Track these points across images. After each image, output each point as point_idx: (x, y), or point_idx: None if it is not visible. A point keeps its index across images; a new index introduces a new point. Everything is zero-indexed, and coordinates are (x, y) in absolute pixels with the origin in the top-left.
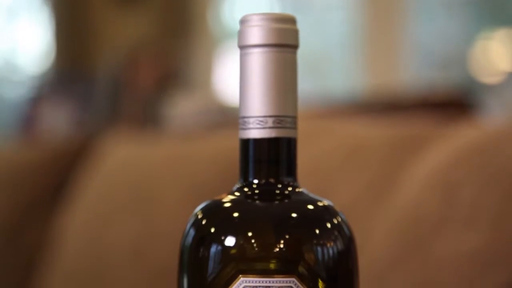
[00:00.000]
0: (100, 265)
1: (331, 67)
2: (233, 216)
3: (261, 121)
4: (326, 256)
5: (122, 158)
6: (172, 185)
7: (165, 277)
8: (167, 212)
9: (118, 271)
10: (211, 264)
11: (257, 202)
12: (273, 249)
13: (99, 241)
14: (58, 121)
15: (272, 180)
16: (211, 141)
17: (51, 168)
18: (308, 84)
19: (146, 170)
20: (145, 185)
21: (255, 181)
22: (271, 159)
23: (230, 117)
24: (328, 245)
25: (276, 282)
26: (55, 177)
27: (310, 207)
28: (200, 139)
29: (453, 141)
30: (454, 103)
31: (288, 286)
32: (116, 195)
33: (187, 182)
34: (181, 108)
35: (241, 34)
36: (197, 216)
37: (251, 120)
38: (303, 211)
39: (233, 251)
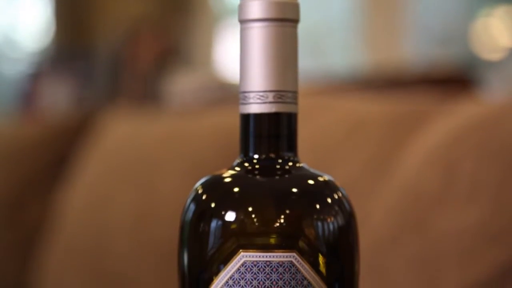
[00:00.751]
0: (100, 241)
1: (332, 43)
2: (234, 191)
3: (262, 96)
4: (326, 231)
5: (122, 134)
6: (172, 161)
7: (165, 253)
8: (167, 188)
9: (118, 246)
10: (211, 239)
11: (258, 177)
12: (274, 224)
13: (99, 217)
14: (58, 97)
15: (272, 155)
16: (211, 118)
17: (51, 144)
18: (309, 61)
19: (146, 146)
20: (145, 161)
21: (256, 156)
22: (271, 134)
23: (230, 94)
24: (329, 220)
25: (277, 257)
26: (55, 153)
27: (311, 182)
28: (200, 115)
29: (453, 117)
30: (455, 79)
31: (289, 261)
32: (116, 171)
33: (187, 158)
34: (181, 85)
35: (241, 8)
36: (197, 191)
37: (252, 95)
38: (303, 186)
39: (233, 226)
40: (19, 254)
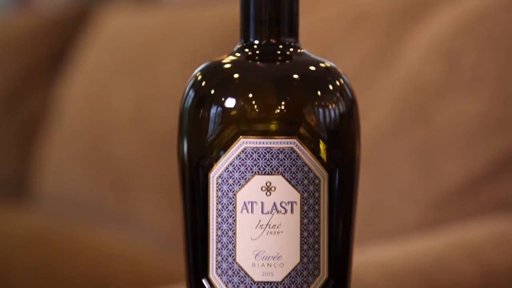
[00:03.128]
0: (100, 131)
1: None
2: (234, 77)
3: None
4: (327, 118)
5: (121, 26)
6: (171, 51)
7: (165, 141)
8: (166, 78)
9: (118, 136)
10: (211, 126)
11: (258, 62)
12: (274, 110)
13: (99, 108)
14: None
15: (273, 41)
16: (210, 10)
17: (49, 36)
18: None
19: (145, 38)
20: (145, 53)
21: (256, 41)
22: (272, 18)
23: None
24: (330, 106)
25: (277, 143)
26: (54, 46)
27: (312, 68)
28: (199, 7)
29: (457, 7)
30: None
31: (289, 147)
32: (115, 63)
33: (187, 48)
34: None
35: None
36: (197, 77)
37: None
38: (305, 72)
39: (233, 112)
40: (19, 145)
